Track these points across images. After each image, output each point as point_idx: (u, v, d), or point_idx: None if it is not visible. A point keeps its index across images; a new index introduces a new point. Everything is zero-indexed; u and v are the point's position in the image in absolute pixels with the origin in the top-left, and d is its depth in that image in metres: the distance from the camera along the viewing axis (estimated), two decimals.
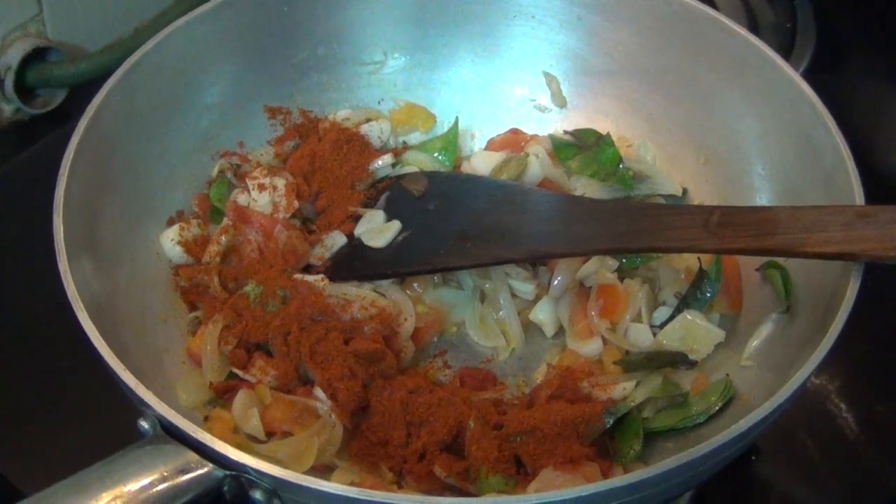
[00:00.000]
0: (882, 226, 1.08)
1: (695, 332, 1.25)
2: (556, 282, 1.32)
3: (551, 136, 1.46)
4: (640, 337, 1.27)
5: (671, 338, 1.26)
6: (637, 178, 1.39)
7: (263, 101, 1.45)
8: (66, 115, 1.64)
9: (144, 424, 1.02)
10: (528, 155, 1.40)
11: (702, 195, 1.41)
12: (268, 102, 1.45)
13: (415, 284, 1.34)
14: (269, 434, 1.15)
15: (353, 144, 1.41)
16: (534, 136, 1.46)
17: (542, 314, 1.32)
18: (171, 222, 1.34)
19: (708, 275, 1.28)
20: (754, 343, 1.23)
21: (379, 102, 1.51)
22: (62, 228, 1.12)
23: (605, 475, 1.11)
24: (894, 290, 1.22)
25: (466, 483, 1.12)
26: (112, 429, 1.11)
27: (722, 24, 1.35)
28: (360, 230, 1.35)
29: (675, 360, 1.25)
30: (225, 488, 0.99)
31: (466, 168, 1.44)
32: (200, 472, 0.98)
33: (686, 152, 1.42)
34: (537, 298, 1.33)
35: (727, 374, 1.21)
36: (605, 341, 1.29)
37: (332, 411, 1.15)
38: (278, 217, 1.33)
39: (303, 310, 1.21)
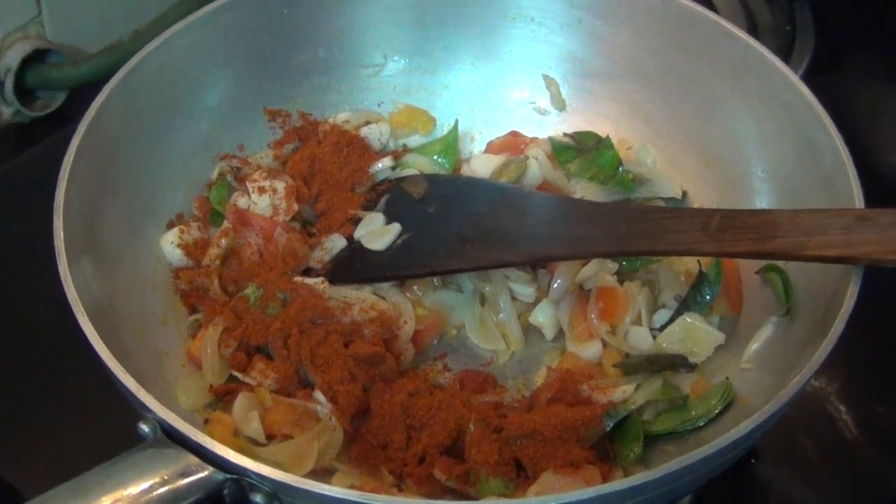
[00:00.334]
0: (882, 229, 1.07)
1: (695, 334, 1.25)
2: (555, 284, 1.32)
3: (551, 139, 1.46)
4: (640, 340, 1.27)
5: (671, 340, 1.26)
6: (637, 180, 1.39)
7: (263, 104, 1.45)
8: (65, 118, 1.63)
9: (144, 428, 1.02)
10: (527, 158, 1.40)
11: (702, 198, 1.41)
12: (268, 105, 1.45)
13: (415, 287, 1.34)
14: (270, 437, 1.15)
15: (353, 147, 1.41)
16: (533, 139, 1.46)
17: (542, 317, 1.32)
18: (170, 225, 1.34)
19: (708, 277, 1.28)
20: (754, 346, 1.23)
21: (379, 105, 1.51)
22: (62, 231, 1.12)
23: (606, 478, 1.11)
24: (894, 294, 1.22)
25: (466, 486, 1.12)
26: (112, 430, 1.11)
27: (721, 27, 1.35)
28: (359, 233, 1.35)
29: (674, 363, 1.24)
30: (225, 492, 0.99)
31: (466, 171, 1.44)
32: (201, 475, 0.98)
33: (686, 155, 1.42)
34: (537, 301, 1.33)
35: (727, 377, 1.21)
36: (604, 344, 1.28)
37: (333, 414, 1.15)
38: (278, 220, 1.33)
39: (303, 313, 1.21)
